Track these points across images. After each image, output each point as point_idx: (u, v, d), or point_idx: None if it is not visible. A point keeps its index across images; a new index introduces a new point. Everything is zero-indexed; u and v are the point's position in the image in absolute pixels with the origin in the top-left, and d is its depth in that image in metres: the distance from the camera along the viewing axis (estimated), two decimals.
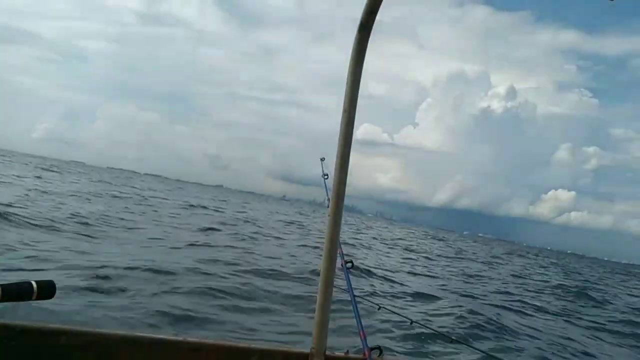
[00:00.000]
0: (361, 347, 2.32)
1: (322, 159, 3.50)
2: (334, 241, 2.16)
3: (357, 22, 2.08)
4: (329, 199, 2.38)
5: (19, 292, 1.39)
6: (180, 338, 2.37)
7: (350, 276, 2.71)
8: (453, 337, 3.97)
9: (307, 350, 2.19)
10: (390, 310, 4.10)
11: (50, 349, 2.10)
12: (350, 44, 2.12)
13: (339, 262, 2.31)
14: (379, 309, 3.79)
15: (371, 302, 3.66)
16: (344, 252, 2.67)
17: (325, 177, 3.37)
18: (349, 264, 2.61)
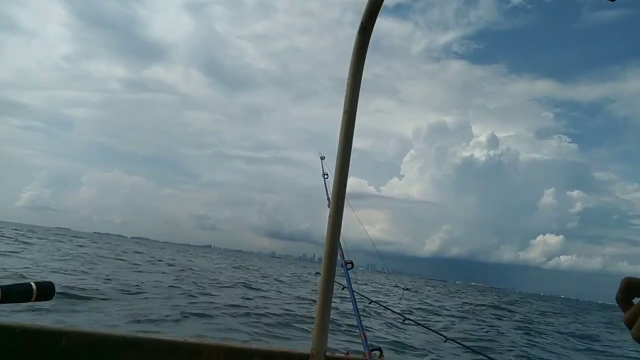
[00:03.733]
0: (362, 348, 2.31)
1: (322, 158, 3.37)
2: (334, 241, 2.13)
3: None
4: (329, 199, 2.36)
5: (18, 293, 1.38)
6: (181, 339, 2.35)
7: (351, 276, 2.69)
8: (447, 336, 3.85)
9: (307, 351, 2.16)
10: (383, 307, 4.02)
11: (51, 350, 2.08)
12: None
13: (339, 263, 2.27)
14: (370, 302, 3.77)
15: (366, 297, 3.60)
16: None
17: (325, 176, 3.26)
18: (349, 265, 2.57)
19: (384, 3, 1.96)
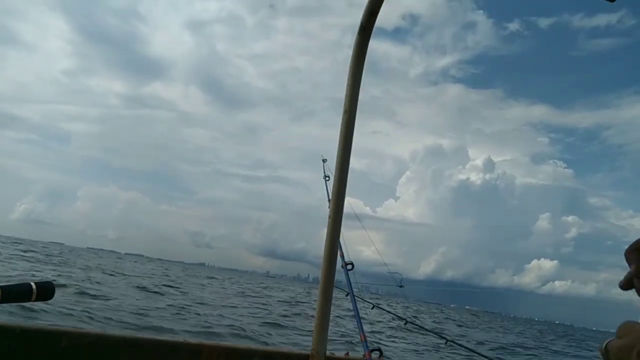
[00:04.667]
0: (361, 348, 2.33)
1: (324, 160, 3.41)
2: (334, 242, 2.11)
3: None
4: (329, 200, 2.36)
5: (18, 293, 1.37)
6: (181, 340, 2.36)
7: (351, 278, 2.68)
8: (447, 338, 3.95)
9: (307, 351, 2.15)
10: (385, 310, 4.14)
11: (51, 350, 2.08)
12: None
13: (339, 264, 2.25)
14: (372, 308, 3.79)
15: (367, 301, 3.65)
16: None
17: (327, 178, 3.30)
18: (349, 265, 2.59)
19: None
